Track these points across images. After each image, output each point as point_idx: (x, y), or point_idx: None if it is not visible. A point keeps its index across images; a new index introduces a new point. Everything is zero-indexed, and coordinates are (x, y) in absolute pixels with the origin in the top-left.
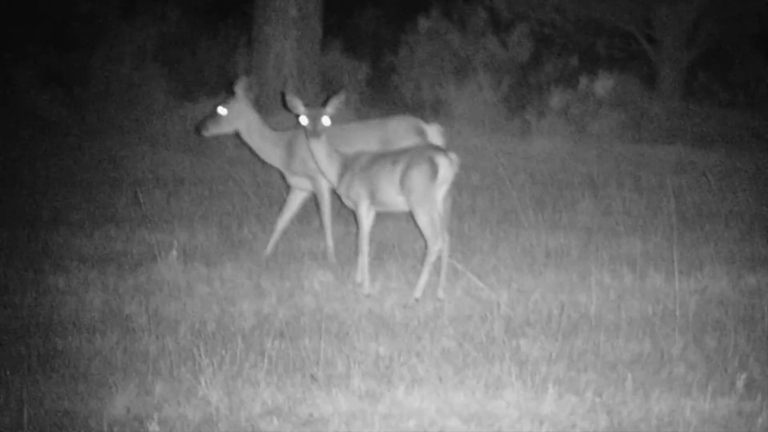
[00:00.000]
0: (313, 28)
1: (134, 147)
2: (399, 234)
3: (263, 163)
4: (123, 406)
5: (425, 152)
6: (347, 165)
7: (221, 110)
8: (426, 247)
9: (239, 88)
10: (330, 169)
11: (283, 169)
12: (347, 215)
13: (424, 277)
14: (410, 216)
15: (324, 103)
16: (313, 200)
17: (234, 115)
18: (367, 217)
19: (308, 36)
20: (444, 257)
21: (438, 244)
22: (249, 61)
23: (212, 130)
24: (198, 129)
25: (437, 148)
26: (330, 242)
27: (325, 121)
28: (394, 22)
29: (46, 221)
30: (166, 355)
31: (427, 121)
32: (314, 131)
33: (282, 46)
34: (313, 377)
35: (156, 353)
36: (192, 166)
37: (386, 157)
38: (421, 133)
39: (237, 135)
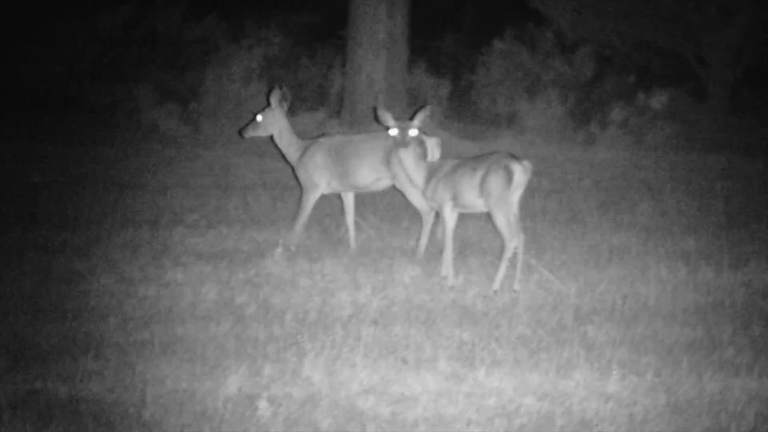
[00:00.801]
0: (401, 50)
1: (243, 156)
2: (479, 233)
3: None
4: (236, 386)
5: (502, 160)
6: (432, 172)
7: (258, 117)
8: (503, 244)
9: (274, 99)
10: (417, 176)
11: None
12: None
13: (502, 271)
14: (489, 217)
15: (411, 117)
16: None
17: (268, 122)
18: (450, 217)
19: (396, 57)
20: (519, 254)
21: (514, 242)
22: (343, 79)
23: (250, 133)
24: (240, 132)
25: (513, 157)
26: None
27: (413, 132)
28: (472, 44)
29: (166, 222)
30: (273, 341)
31: (427, 135)
32: (403, 142)
33: (373, 67)
34: (404, 360)
35: (264, 339)
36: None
37: (467, 164)
38: (421, 144)
39: (271, 138)
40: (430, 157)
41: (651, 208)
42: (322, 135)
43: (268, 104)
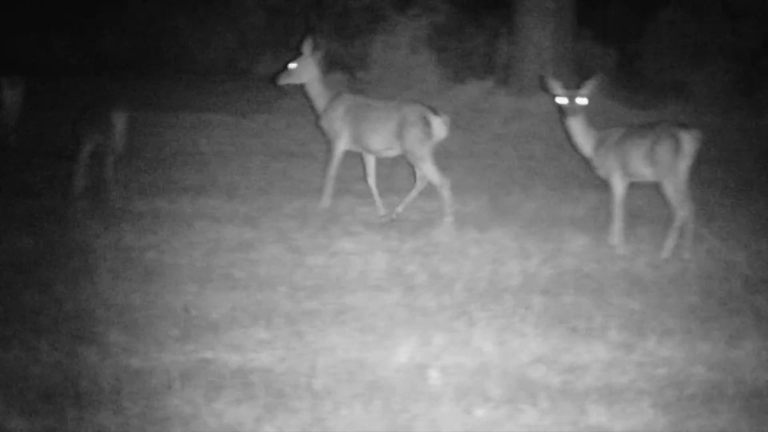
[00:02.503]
0: (568, 17)
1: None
2: (648, 201)
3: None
4: (406, 355)
5: (671, 129)
6: (601, 141)
7: (291, 65)
8: (672, 213)
9: (306, 48)
10: (586, 145)
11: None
12: (600, 184)
13: (671, 239)
14: (657, 185)
15: (579, 86)
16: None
17: (301, 70)
18: (619, 186)
19: (563, 25)
20: (689, 222)
21: (683, 211)
22: (510, 48)
23: (284, 80)
24: (273, 79)
25: (681, 125)
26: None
27: (581, 101)
28: (639, 12)
29: (334, 191)
30: (443, 310)
31: (435, 113)
32: (572, 110)
33: (540, 35)
34: (574, 329)
35: (435, 308)
36: (461, 142)
37: (636, 133)
38: (427, 123)
39: (302, 87)
40: (435, 137)
41: None
42: (346, 91)
43: (301, 53)
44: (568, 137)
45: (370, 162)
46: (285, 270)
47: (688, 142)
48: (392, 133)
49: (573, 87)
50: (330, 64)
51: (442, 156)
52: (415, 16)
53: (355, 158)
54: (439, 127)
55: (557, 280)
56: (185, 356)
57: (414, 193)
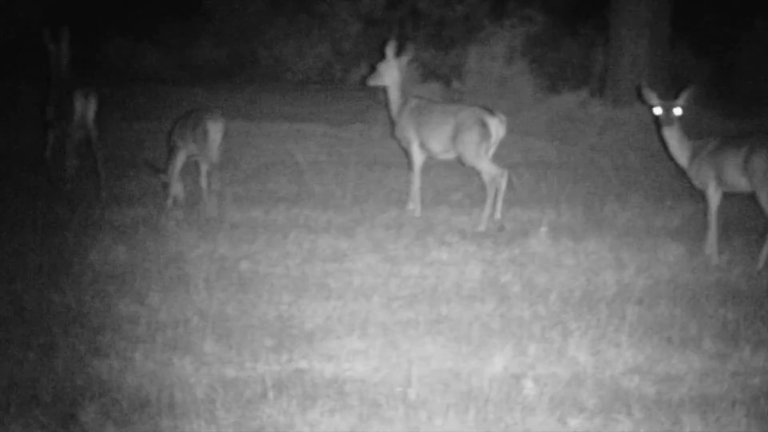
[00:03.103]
0: (663, 28)
1: (507, 135)
2: (743, 211)
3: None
4: (501, 365)
5: (766, 139)
6: (697, 151)
7: (378, 66)
8: None
9: (389, 51)
10: (681, 155)
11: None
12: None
13: (766, 250)
14: (753, 195)
15: (675, 96)
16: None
17: (384, 72)
18: (714, 196)
19: (659, 35)
20: None
21: None
22: (606, 58)
23: (372, 82)
24: (363, 81)
25: None
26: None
27: (677, 111)
28: (734, 21)
29: (430, 201)
30: (538, 320)
31: (491, 114)
32: (667, 121)
33: (635, 45)
34: (668, 339)
35: (529, 318)
36: (558, 152)
37: (731, 143)
38: (484, 124)
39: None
40: (494, 138)
41: None
42: (415, 96)
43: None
44: (664, 147)
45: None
46: (380, 280)
47: None
48: (449, 136)
49: (668, 97)
50: (425, 74)
51: (538, 166)
52: (511, 26)
53: (449, 168)
54: (497, 128)
55: (652, 290)
56: (280, 366)
57: (497, 196)
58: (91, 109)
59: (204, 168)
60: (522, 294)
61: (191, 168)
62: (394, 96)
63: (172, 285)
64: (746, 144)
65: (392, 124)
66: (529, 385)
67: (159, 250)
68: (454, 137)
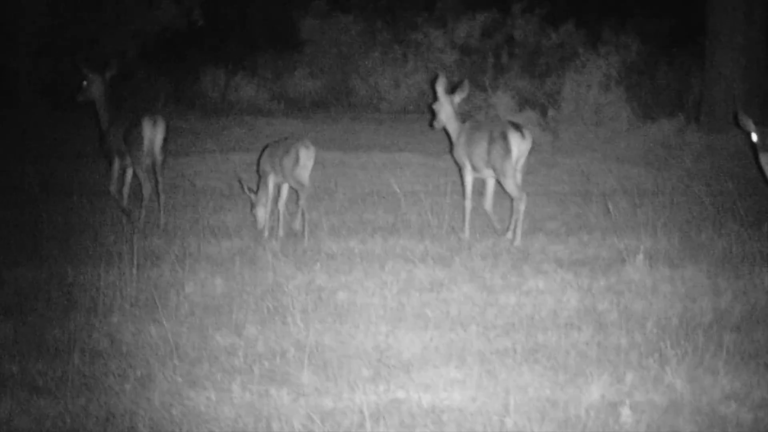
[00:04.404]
0: (759, 53)
1: (603, 162)
2: None
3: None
4: (598, 393)
5: None
6: None
7: (435, 105)
8: None
9: (439, 86)
10: None
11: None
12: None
13: None
14: None
15: None
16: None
17: (439, 112)
18: None
19: (754, 61)
20: None
21: None
22: (701, 84)
23: (437, 126)
24: (430, 125)
25: None
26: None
27: None
28: None
29: (527, 230)
30: (635, 348)
31: (516, 128)
32: (764, 147)
33: (731, 71)
34: (766, 365)
35: (626, 346)
36: (654, 178)
37: None
38: (505, 137)
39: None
40: (515, 153)
41: None
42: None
43: (437, 96)
44: (760, 173)
45: (490, 185)
46: (477, 309)
47: None
48: (486, 150)
49: (765, 123)
50: (521, 102)
51: (635, 193)
52: (606, 54)
53: (545, 197)
54: (517, 142)
55: (749, 317)
56: (377, 396)
57: (517, 219)
58: (159, 135)
59: (299, 196)
60: (619, 322)
61: (292, 200)
62: (452, 128)
63: (269, 316)
64: None
65: (452, 146)
66: (626, 413)
67: (256, 282)
68: (489, 152)
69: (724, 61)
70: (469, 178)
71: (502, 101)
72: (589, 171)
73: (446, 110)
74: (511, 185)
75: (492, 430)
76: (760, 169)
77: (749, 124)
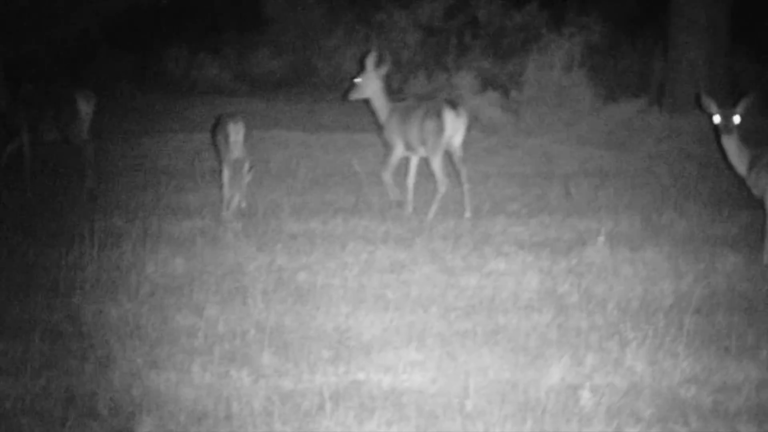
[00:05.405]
0: (721, 35)
1: (564, 144)
2: None
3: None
4: (558, 376)
5: None
6: (755, 159)
7: (357, 80)
8: None
9: (368, 62)
10: (740, 163)
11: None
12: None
13: None
14: None
15: (734, 104)
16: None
17: (365, 84)
18: None
19: (717, 43)
20: None
21: None
22: (664, 66)
23: (352, 96)
24: (343, 96)
25: None
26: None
27: (736, 120)
28: None
29: (487, 211)
30: (595, 330)
31: (451, 107)
32: (726, 129)
33: (694, 53)
34: (726, 349)
35: (587, 328)
36: (616, 161)
37: None
38: (440, 116)
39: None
40: (448, 131)
41: None
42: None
43: (364, 68)
44: (722, 156)
45: (414, 164)
46: (437, 290)
47: None
48: (419, 128)
49: (727, 105)
50: (483, 83)
51: (596, 175)
52: (569, 36)
53: (507, 178)
54: (451, 119)
55: (710, 300)
56: (337, 378)
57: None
58: (89, 109)
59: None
60: (579, 304)
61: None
62: (379, 104)
63: (229, 297)
64: None
65: (380, 128)
66: (586, 396)
67: (217, 262)
68: (422, 128)
69: (687, 42)
70: (396, 157)
71: (465, 82)
72: (551, 152)
73: (375, 85)
74: (438, 165)
75: (452, 412)
76: (722, 151)
77: (712, 106)
